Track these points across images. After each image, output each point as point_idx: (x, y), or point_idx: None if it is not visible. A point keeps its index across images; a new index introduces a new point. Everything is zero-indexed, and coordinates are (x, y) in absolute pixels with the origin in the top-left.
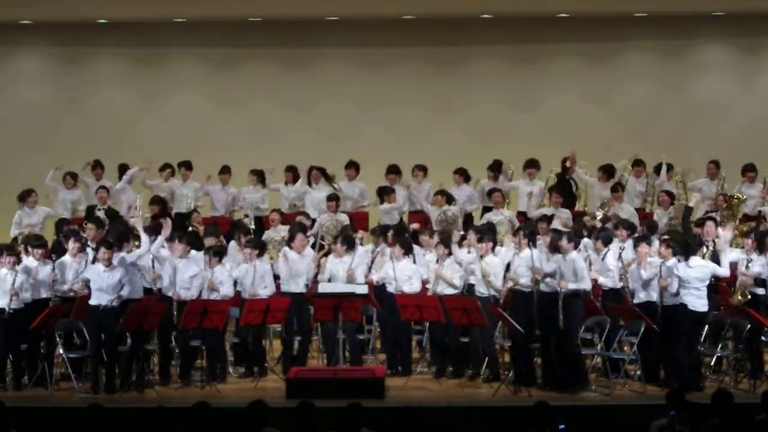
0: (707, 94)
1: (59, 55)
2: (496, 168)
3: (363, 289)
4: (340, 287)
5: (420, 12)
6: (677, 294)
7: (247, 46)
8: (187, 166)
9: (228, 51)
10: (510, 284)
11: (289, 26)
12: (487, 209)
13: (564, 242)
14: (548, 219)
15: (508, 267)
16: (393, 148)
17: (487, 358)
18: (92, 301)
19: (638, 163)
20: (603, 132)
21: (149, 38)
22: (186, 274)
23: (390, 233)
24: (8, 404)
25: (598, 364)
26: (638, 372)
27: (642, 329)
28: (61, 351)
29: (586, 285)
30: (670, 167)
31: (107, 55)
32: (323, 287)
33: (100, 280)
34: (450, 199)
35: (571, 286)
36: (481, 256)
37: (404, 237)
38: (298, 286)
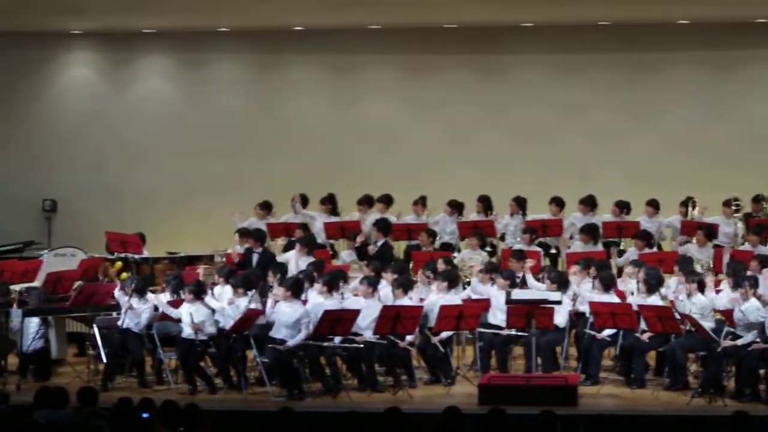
0: None
1: (255, 62)
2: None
3: (556, 296)
4: (533, 294)
5: (614, 18)
6: None
7: (441, 53)
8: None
9: (421, 57)
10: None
11: (484, 33)
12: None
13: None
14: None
15: None
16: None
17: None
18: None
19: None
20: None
21: (342, 45)
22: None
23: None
24: (203, 407)
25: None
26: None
27: None
28: (255, 355)
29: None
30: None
31: (301, 63)
32: (517, 294)
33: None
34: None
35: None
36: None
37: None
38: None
